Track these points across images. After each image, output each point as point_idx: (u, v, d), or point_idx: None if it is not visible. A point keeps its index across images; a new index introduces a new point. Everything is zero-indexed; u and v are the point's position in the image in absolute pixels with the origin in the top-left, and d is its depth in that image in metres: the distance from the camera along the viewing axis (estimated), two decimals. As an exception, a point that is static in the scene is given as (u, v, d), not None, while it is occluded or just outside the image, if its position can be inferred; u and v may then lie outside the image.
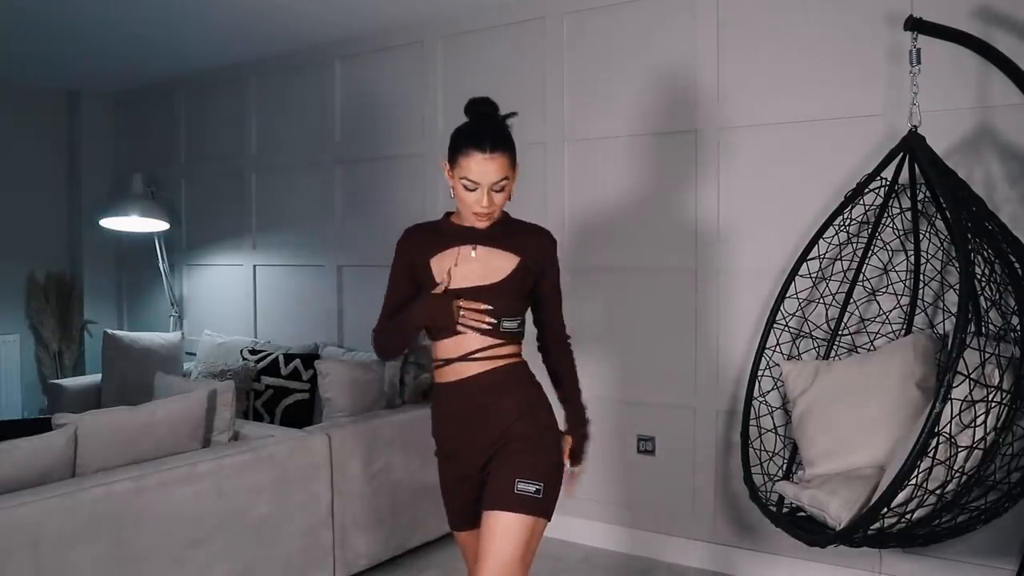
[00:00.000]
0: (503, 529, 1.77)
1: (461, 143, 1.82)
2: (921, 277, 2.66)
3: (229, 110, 4.78)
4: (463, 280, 1.91)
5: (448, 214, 2.02)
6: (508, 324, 1.92)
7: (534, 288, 1.99)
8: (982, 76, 2.61)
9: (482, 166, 1.79)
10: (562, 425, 2.04)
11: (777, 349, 2.73)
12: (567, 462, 1.99)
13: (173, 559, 2.42)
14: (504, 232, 1.94)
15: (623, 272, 3.38)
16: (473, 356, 1.90)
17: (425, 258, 1.95)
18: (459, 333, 1.89)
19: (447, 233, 1.96)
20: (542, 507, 1.82)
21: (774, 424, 2.78)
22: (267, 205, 4.64)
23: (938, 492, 1.97)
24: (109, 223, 4.81)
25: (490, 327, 1.89)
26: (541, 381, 2.05)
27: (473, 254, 1.92)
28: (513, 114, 1.91)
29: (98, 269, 5.39)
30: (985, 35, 2.51)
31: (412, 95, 3.97)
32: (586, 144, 3.46)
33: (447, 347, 1.92)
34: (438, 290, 1.89)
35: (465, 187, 1.82)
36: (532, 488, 1.81)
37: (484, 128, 1.82)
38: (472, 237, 1.92)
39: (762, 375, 2.68)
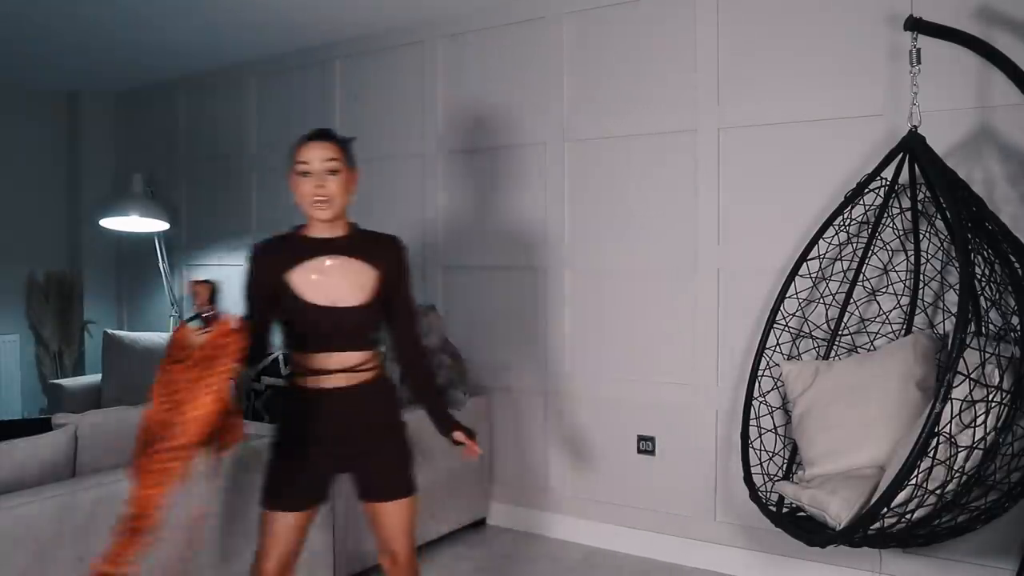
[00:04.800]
0: (399, 510, 2.08)
1: (295, 145, 2.02)
2: (921, 277, 2.66)
3: (229, 110, 4.78)
4: (334, 298, 1.97)
5: (297, 227, 2.08)
6: (375, 335, 2.07)
7: (388, 299, 2.07)
8: (982, 76, 2.61)
9: (311, 148, 1.98)
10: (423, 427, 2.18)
11: (777, 349, 2.73)
12: (466, 441, 2.12)
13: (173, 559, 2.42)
14: (358, 243, 2.04)
15: (623, 272, 3.38)
16: (358, 368, 2.02)
17: (279, 274, 1.99)
18: (337, 349, 1.99)
19: (299, 246, 2.02)
20: (415, 486, 2.13)
21: (774, 424, 2.78)
22: (267, 205, 4.64)
23: (938, 492, 1.97)
24: (109, 223, 4.81)
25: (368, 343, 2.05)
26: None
27: (328, 263, 2.00)
28: (352, 138, 2.08)
29: (98, 269, 5.39)
30: (985, 35, 2.51)
31: (412, 95, 3.97)
32: (586, 144, 3.46)
33: (324, 360, 2.01)
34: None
35: (301, 174, 1.98)
36: (411, 473, 2.12)
37: (314, 130, 2.06)
38: (329, 248, 2.01)
39: (762, 375, 2.68)
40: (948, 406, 1.89)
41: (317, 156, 1.97)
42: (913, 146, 2.42)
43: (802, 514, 2.45)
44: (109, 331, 4.47)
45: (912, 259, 2.68)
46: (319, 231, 2.03)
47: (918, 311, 2.68)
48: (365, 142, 4.19)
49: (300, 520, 2.06)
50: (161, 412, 1.78)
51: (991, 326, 2.28)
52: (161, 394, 1.81)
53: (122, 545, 1.70)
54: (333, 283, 1.99)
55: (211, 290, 1.88)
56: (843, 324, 2.75)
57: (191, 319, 1.90)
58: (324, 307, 1.97)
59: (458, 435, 2.12)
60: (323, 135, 2.02)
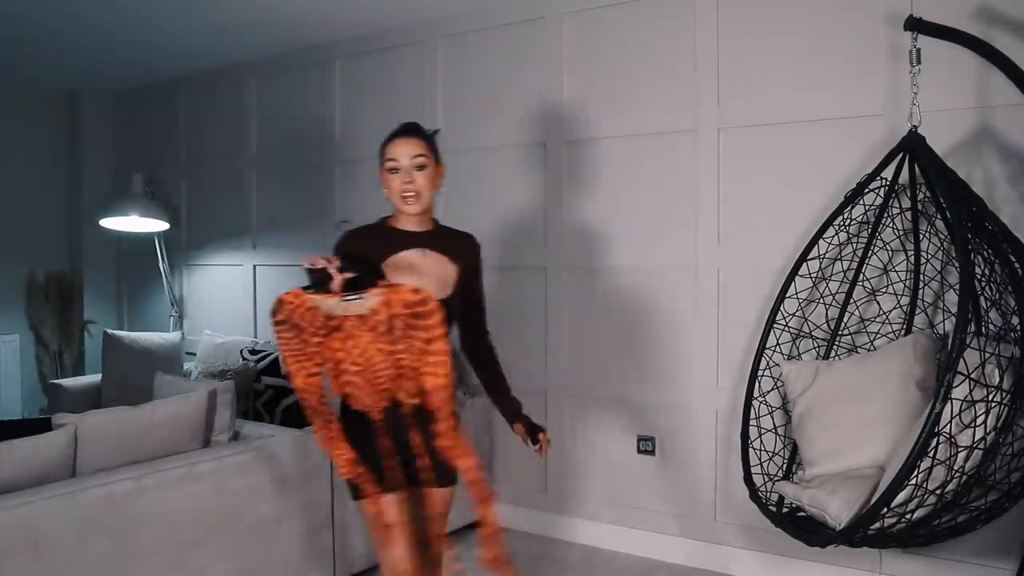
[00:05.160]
0: (449, 497, 2.16)
1: (383, 142, 2.09)
2: (921, 277, 2.66)
3: (229, 110, 4.78)
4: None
5: (385, 218, 2.13)
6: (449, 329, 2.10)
7: (464, 293, 2.14)
8: (982, 76, 2.61)
9: (399, 146, 2.05)
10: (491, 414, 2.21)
11: (777, 349, 2.73)
12: (530, 441, 2.16)
13: (173, 559, 2.42)
14: (442, 238, 2.12)
15: (623, 272, 3.38)
16: None
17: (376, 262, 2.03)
18: None
19: (391, 237, 2.07)
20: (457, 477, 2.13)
21: (774, 424, 2.78)
22: (267, 205, 4.64)
23: (938, 492, 1.97)
24: (109, 223, 4.81)
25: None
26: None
27: (421, 256, 2.06)
28: (437, 131, 2.14)
29: (98, 269, 5.39)
30: (985, 35, 2.51)
31: (412, 95, 3.97)
32: (586, 144, 3.46)
33: None
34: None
35: (389, 171, 2.04)
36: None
37: (402, 125, 2.12)
38: (417, 242, 2.07)
39: (762, 375, 2.68)
40: (948, 406, 1.89)
41: (405, 153, 2.03)
42: (913, 146, 2.42)
43: (802, 514, 2.45)
44: (109, 331, 4.47)
45: (912, 259, 2.68)
46: (407, 224, 2.08)
47: (918, 311, 2.68)
48: (364, 142, 4.21)
49: (400, 499, 2.05)
50: (312, 378, 1.91)
51: (991, 326, 2.28)
52: (307, 362, 1.90)
53: (489, 513, 1.90)
54: (423, 275, 2.04)
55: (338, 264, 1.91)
56: (843, 324, 2.75)
57: (309, 288, 1.89)
58: None
59: (518, 428, 2.16)
60: (411, 131, 2.07)
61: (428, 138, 2.08)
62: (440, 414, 1.87)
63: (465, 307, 2.16)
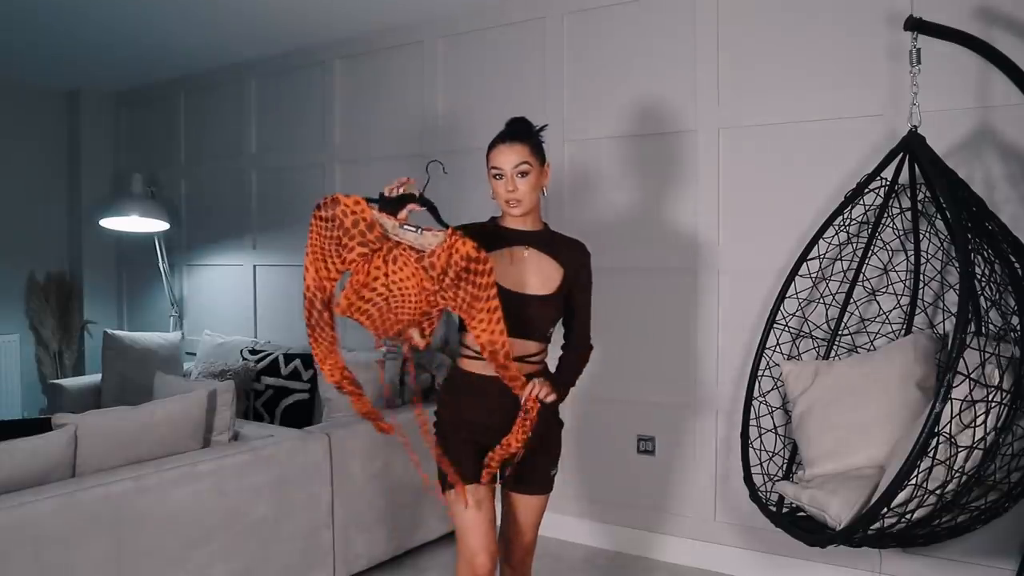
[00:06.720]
0: (538, 505, 2.23)
1: (489, 145, 2.11)
2: (921, 277, 2.66)
3: (229, 110, 4.78)
4: (522, 286, 2.06)
5: (492, 217, 2.18)
6: (551, 331, 2.13)
7: (568, 297, 2.16)
8: (982, 76, 2.61)
9: (503, 153, 2.07)
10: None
11: (777, 349, 2.73)
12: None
13: (173, 559, 2.42)
14: (549, 241, 2.15)
15: (623, 272, 3.37)
16: (528, 359, 2.08)
17: None
18: (511, 336, 1.96)
19: (499, 234, 2.11)
20: (553, 484, 2.27)
21: (774, 424, 2.78)
22: (267, 205, 4.64)
23: (938, 492, 1.96)
24: (109, 223, 4.81)
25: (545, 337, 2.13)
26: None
27: (526, 254, 2.10)
28: (544, 126, 2.16)
29: (98, 269, 5.39)
30: (985, 35, 2.51)
31: (412, 95, 3.97)
32: (586, 144, 3.46)
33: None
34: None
35: (494, 176, 2.08)
36: (553, 472, 2.23)
37: (507, 127, 2.11)
38: (523, 240, 2.10)
39: (762, 375, 2.68)
40: (948, 406, 1.89)
41: (508, 161, 2.05)
42: (913, 146, 2.42)
43: (802, 514, 2.45)
44: (109, 331, 4.46)
45: (912, 259, 2.68)
46: (514, 224, 2.13)
47: (918, 311, 2.68)
48: (364, 143, 4.21)
49: (488, 492, 2.08)
50: (327, 281, 1.86)
51: (991, 326, 2.28)
52: (330, 264, 1.86)
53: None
54: (524, 272, 2.08)
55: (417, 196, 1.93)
56: (843, 324, 2.75)
57: (373, 202, 1.89)
58: (509, 291, 2.02)
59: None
60: (515, 136, 2.07)
61: (532, 140, 2.09)
62: (498, 361, 1.88)
63: (569, 312, 2.17)
